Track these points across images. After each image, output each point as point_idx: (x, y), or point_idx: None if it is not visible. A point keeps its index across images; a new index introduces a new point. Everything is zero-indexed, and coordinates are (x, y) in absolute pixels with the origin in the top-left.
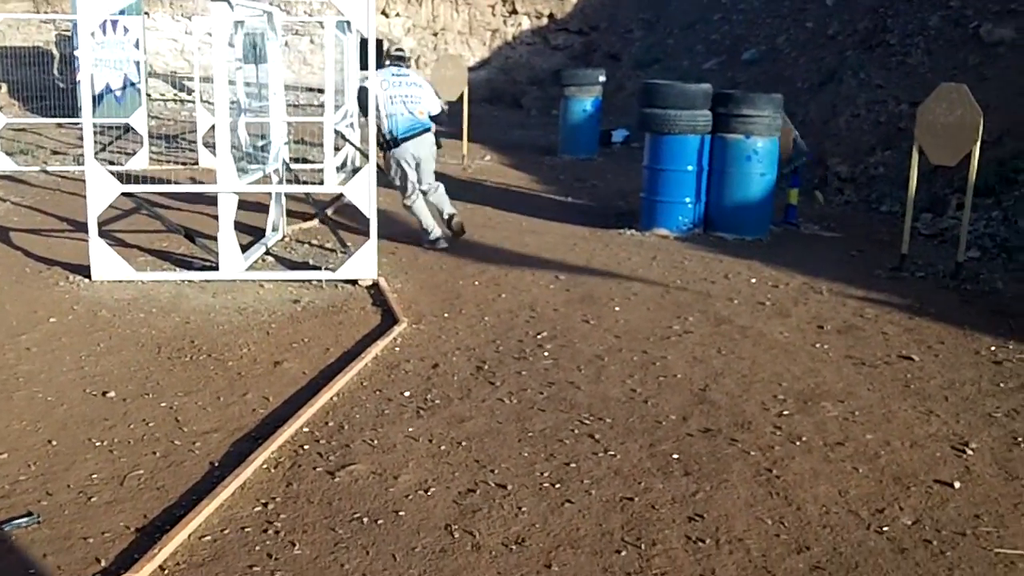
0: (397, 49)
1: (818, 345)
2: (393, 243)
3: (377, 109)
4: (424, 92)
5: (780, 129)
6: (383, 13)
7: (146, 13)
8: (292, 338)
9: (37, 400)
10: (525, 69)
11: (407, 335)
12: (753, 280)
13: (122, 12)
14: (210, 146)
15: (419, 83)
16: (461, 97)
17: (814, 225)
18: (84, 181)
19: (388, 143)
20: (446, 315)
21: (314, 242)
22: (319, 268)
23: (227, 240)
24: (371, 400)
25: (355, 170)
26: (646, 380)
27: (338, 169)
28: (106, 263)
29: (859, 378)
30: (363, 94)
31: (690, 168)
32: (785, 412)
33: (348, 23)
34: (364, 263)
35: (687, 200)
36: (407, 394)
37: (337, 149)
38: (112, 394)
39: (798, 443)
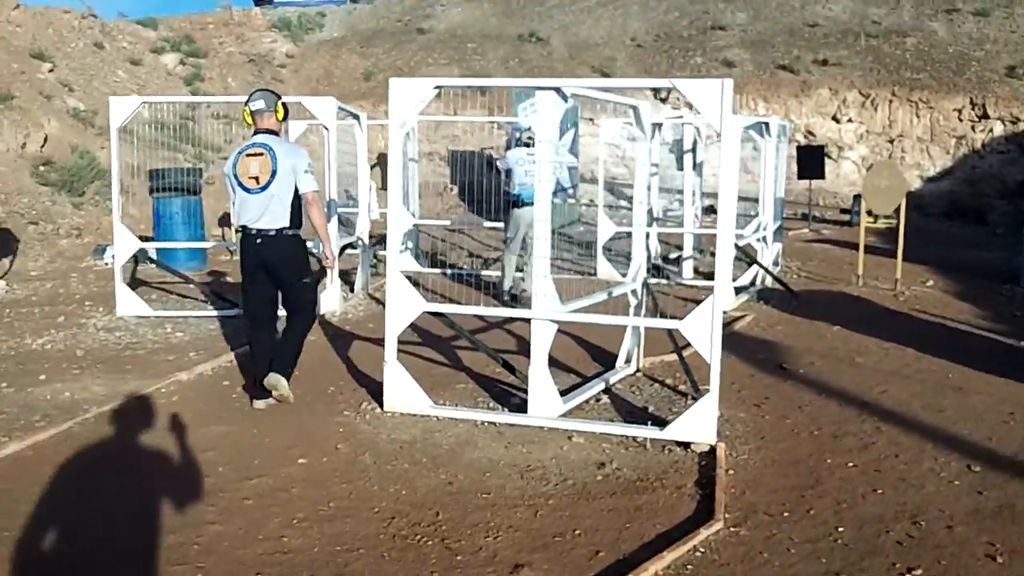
0: (528, 136)
1: None
2: (768, 387)
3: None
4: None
5: None
6: (833, 119)
7: (590, 119)
8: (563, 526)
9: None
10: (994, 180)
11: (716, 544)
12: None
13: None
14: (611, 254)
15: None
16: (898, 211)
17: None
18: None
19: (513, 203)
20: (785, 515)
21: (670, 380)
22: (651, 420)
23: (539, 378)
24: None
25: (762, 293)
26: None
27: (740, 291)
28: (401, 393)
29: None
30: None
31: None
32: None
33: (766, 125)
34: (700, 423)
35: None
36: None
37: (751, 263)
38: None
39: None
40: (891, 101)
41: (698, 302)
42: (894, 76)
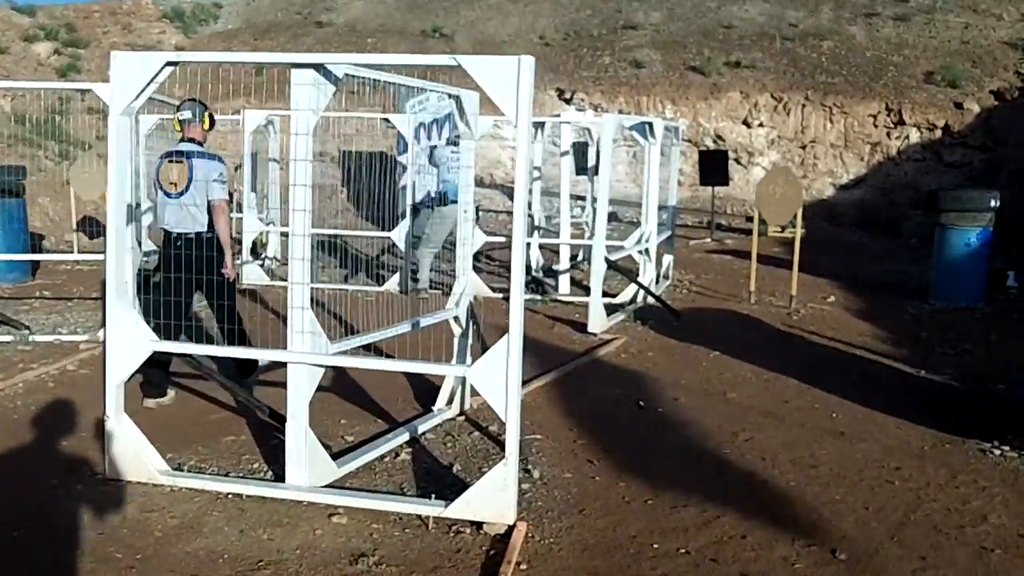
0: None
1: None
2: (613, 435)
3: None
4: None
5: None
6: (744, 123)
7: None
8: None
9: None
10: (908, 189)
11: None
12: None
13: (449, 116)
14: (494, 264)
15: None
16: (794, 221)
17: None
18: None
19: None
20: None
21: (495, 427)
22: (435, 493)
23: (298, 438)
24: None
25: (642, 312)
26: None
27: (616, 309)
28: (127, 457)
29: None
30: None
31: None
32: None
33: (649, 125)
34: (493, 497)
35: None
36: None
37: (632, 280)
38: None
39: None
40: (804, 105)
41: (570, 322)
42: (808, 80)
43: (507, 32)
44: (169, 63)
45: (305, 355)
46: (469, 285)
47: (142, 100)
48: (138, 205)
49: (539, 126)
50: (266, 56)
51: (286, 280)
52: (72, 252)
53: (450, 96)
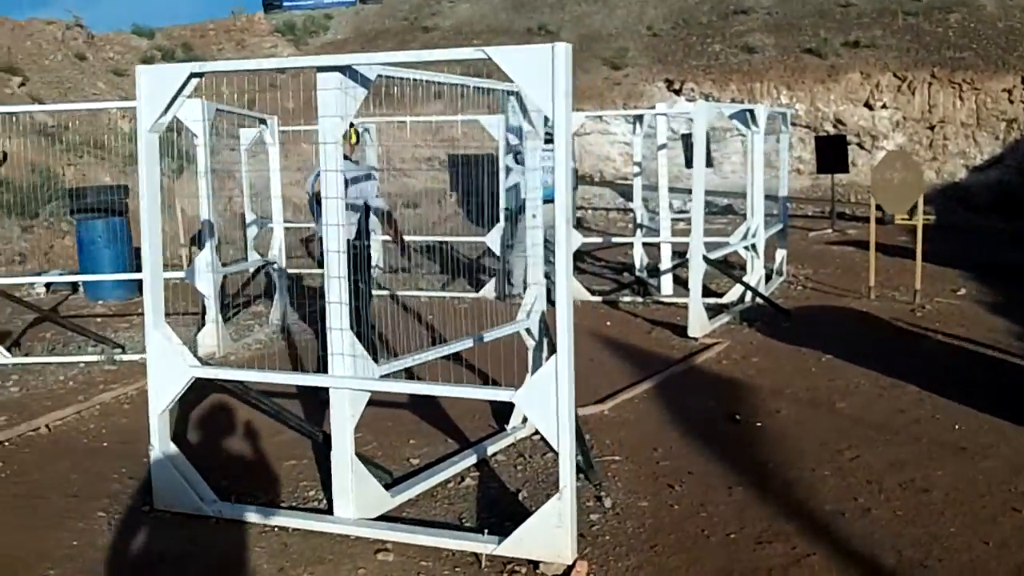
0: (547, 132)
1: None
2: (701, 454)
3: None
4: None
5: None
6: (866, 105)
7: (598, 117)
8: None
9: None
10: None
11: None
12: None
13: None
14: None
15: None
16: (914, 209)
17: None
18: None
19: None
20: None
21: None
22: (489, 527)
23: (342, 469)
24: None
25: (748, 312)
26: None
27: (723, 309)
28: (174, 488)
29: None
30: None
31: None
32: None
33: (751, 112)
34: (548, 533)
35: None
36: None
37: (737, 279)
38: None
39: None
40: (931, 83)
41: (670, 326)
42: (934, 56)
43: (614, 25)
44: (193, 74)
45: (346, 380)
46: (541, 296)
47: (171, 115)
48: (243, 218)
49: (638, 119)
50: (290, 61)
51: (386, 289)
52: (181, 268)
53: (509, 93)
